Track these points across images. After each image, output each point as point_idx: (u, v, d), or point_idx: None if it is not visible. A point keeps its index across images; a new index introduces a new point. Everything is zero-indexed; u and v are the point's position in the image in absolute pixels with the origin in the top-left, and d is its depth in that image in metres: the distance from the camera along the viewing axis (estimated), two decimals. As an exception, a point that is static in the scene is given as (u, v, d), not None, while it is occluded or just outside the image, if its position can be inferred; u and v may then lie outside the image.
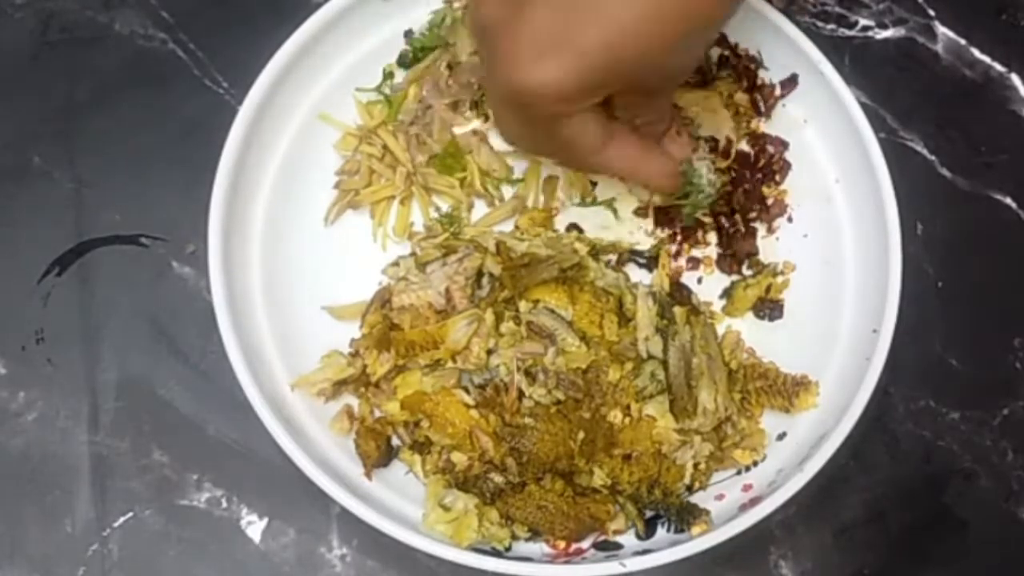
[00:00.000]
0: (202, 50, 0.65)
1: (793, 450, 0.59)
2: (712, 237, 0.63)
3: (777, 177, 0.63)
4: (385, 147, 0.62)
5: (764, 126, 0.63)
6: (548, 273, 0.58)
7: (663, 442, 0.57)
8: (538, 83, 0.47)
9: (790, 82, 0.63)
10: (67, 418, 0.60)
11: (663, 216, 0.62)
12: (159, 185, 0.63)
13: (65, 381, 0.61)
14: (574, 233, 0.62)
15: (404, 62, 0.63)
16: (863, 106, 0.61)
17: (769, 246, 0.63)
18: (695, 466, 0.57)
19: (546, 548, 0.57)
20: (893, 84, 0.66)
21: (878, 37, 0.67)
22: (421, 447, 0.58)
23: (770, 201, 0.63)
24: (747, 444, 0.59)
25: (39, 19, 0.65)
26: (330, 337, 0.60)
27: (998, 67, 0.67)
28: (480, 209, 0.63)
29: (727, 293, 0.62)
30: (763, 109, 0.63)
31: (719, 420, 0.57)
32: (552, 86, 0.47)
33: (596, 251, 0.61)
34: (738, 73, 0.63)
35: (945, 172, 0.65)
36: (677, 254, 0.62)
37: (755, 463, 0.59)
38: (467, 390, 0.57)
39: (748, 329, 0.61)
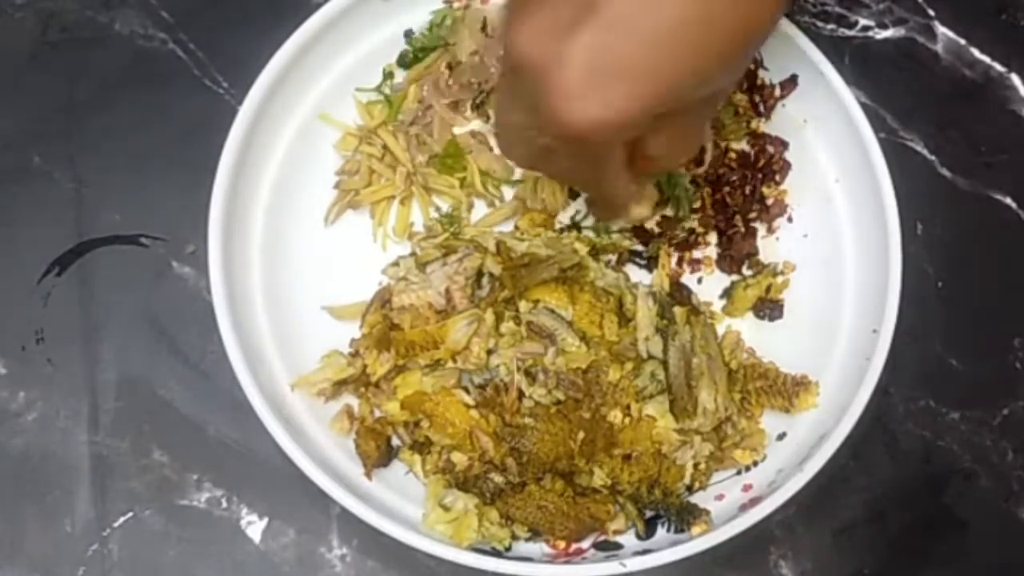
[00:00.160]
0: (202, 50, 0.65)
1: (793, 450, 0.59)
2: (712, 237, 0.63)
3: (777, 177, 0.63)
4: (385, 147, 0.62)
5: (764, 126, 0.63)
6: (548, 273, 0.58)
7: (663, 442, 0.57)
8: (598, 117, 0.44)
9: (790, 82, 0.63)
10: (67, 418, 0.60)
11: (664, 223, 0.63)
12: (159, 185, 0.63)
13: (65, 381, 0.61)
14: (574, 233, 0.62)
15: (404, 62, 0.63)
16: (863, 106, 0.61)
17: (769, 246, 0.63)
18: (695, 466, 0.57)
19: (546, 548, 0.57)
20: (893, 84, 0.66)
21: (878, 37, 0.67)
22: (421, 447, 0.58)
23: (770, 201, 0.63)
24: (747, 444, 0.59)
25: (39, 19, 0.65)
26: (330, 337, 0.60)
27: (998, 67, 0.67)
28: (480, 209, 0.63)
29: (727, 293, 0.62)
30: (763, 109, 0.63)
31: (719, 420, 0.57)
32: (614, 118, 0.44)
33: (596, 251, 0.61)
34: (738, 73, 0.63)
35: (945, 172, 0.65)
36: (679, 262, 0.62)
37: (755, 463, 0.59)
38: (467, 390, 0.57)
39: (748, 329, 0.61)
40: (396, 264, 0.60)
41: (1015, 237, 0.65)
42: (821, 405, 0.59)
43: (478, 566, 0.54)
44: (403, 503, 0.57)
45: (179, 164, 0.62)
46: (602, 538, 0.57)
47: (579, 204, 0.63)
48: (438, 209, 0.62)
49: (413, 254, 0.60)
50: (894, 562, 0.61)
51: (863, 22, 0.67)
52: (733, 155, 0.63)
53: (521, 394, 0.56)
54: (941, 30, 0.67)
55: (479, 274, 0.58)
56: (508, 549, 0.56)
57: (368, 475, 0.58)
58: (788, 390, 0.59)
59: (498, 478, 0.56)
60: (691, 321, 0.58)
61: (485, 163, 0.62)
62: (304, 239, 0.61)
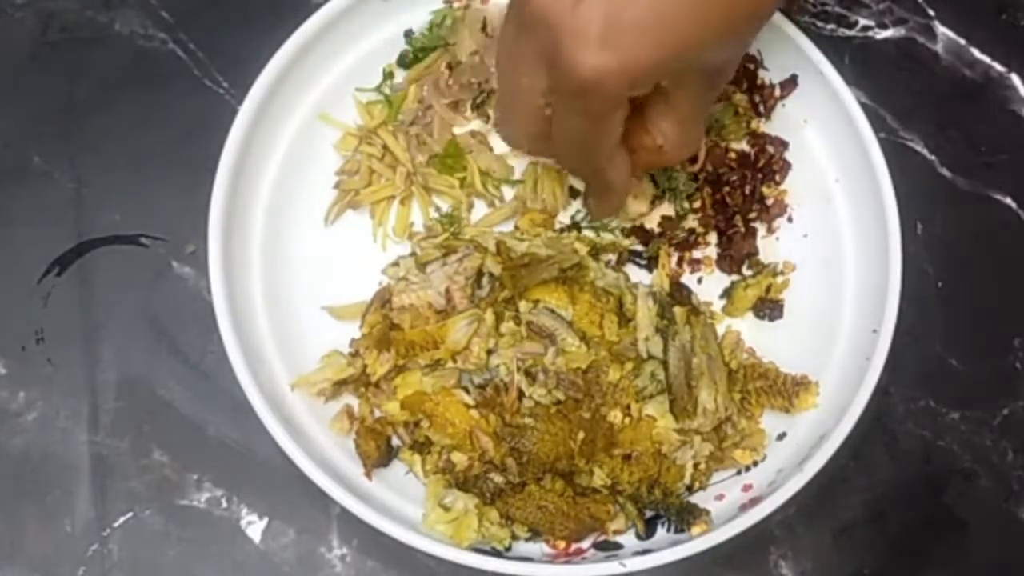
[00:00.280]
0: (202, 50, 0.65)
1: (793, 450, 0.59)
2: (712, 237, 0.63)
3: (777, 177, 0.63)
4: (385, 147, 0.62)
5: (764, 126, 0.63)
6: (548, 273, 0.58)
7: (663, 442, 0.57)
8: (612, 64, 0.45)
9: (790, 82, 0.63)
10: (67, 418, 0.60)
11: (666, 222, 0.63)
12: (159, 185, 0.63)
13: (65, 381, 0.61)
14: (574, 233, 0.62)
15: (404, 62, 0.63)
16: (863, 106, 0.61)
17: (769, 246, 0.63)
18: (695, 466, 0.57)
19: (546, 548, 0.57)
20: (893, 84, 0.66)
21: (878, 37, 0.67)
22: (421, 447, 0.58)
23: (770, 201, 0.63)
24: (747, 444, 0.59)
25: (39, 19, 0.65)
26: (330, 337, 0.60)
27: (998, 67, 0.67)
28: (480, 209, 0.63)
29: (727, 293, 0.62)
30: (763, 109, 0.63)
31: (719, 420, 0.57)
32: (628, 65, 0.45)
33: (596, 251, 0.61)
34: (737, 73, 0.63)
35: (945, 172, 0.65)
36: (679, 262, 0.62)
37: (755, 463, 0.59)
38: (467, 390, 0.57)
39: (748, 329, 0.61)
40: (396, 264, 0.60)
41: (1015, 237, 0.65)
42: (821, 405, 0.59)
43: (478, 566, 0.54)
44: (403, 503, 0.57)
45: (179, 164, 0.62)
46: (602, 538, 0.57)
47: (579, 204, 0.62)
48: (438, 209, 0.62)
49: (413, 254, 0.60)
50: (894, 562, 0.61)
51: (863, 22, 0.67)
52: (733, 155, 0.63)
53: (521, 394, 0.56)
54: (941, 30, 0.67)
55: (479, 274, 0.58)
56: (508, 549, 0.56)
57: (368, 475, 0.58)
58: (788, 390, 0.59)
59: (498, 478, 0.56)
60: (691, 321, 0.58)
61: (485, 163, 0.62)
62: (304, 239, 0.61)
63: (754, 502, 0.56)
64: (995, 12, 0.68)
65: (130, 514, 0.60)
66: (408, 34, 0.63)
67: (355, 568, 0.59)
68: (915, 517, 0.61)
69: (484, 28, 0.62)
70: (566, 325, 0.57)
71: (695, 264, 0.63)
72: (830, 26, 0.67)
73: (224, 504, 0.60)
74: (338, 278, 0.61)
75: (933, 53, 0.67)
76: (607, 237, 0.62)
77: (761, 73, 0.63)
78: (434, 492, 0.57)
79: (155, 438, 0.60)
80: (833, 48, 0.63)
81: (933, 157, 0.65)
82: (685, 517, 0.57)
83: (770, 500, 0.55)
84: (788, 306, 0.62)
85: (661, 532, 0.57)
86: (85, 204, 0.63)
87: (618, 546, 0.57)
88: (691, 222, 0.63)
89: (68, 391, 0.61)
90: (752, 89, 0.63)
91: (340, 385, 0.59)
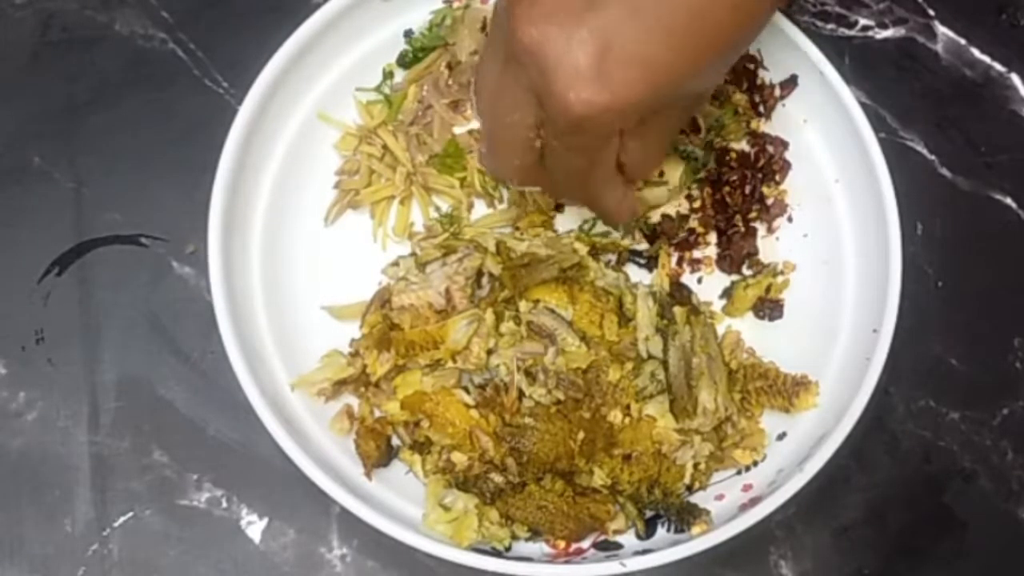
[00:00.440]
0: (202, 50, 0.65)
1: (793, 450, 0.59)
2: (712, 237, 0.63)
3: (777, 177, 0.63)
4: (385, 147, 0.62)
5: (764, 126, 0.63)
6: (548, 273, 0.58)
7: (663, 442, 0.57)
8: (605, 100, 0.45)
9: (790, 82, 0.63)
10: (67, 418, 0.60)
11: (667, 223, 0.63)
12: (159, 185, 0.63)
13: (65, 381, 0.61)
14: (574, 233, 0.62)
15: (404, 62, 0.63)
16: (863, 106, 0.61)
17: (769, 246, 0.63)
18: (695, 466, 0.57)
19: (546, 548, 0.57)
20: (893, 84, 0.66)
21: (878, 37, 0.67)
22: (421, 447, 0.58)
23: (770, 201, 0.63)
24: (747, 444, 0.59)
25: (39, 19, 0.65)
26: (330, 337, 0.60)
27: (998, 67, 0.67)
28: (480, 209, 0.63)
29: (727, 293, 0.62)
30: (763, 109, 0.63)
31: (719, 420, 0.57)
32: (620, 101, 0.45)
33: (596, 251, 0.61)
34: (737, 73, 0.63)
35: (945, 172, 0.65)
36: (679, 262, 0.62)
37: (755, 463, 0.59)
38: (467, 390, 0.57)
39: (748, 329, 0.61)
40: (396, 264, 0.60)
41: (1015, 237, 0.65)
42: (821, 405, 0.59)
43: (478, 566, 0.54)
44: (403, 503, 0.57)
45: (179, 164, 0.62)
46: (602, 538, 0.57)
47: (586, 212, 0.62)
48: (438, 209, 0.62)
49: (413, 254, 0.60)
50: (894, 562, 0.61)
51: (863, 22, 0.67)
52: (733, 155, 0.63)
53: (521, 394, 0.56)
54: (941, 30, 0.67)
55: (479, 274, 0.58)
56: (508, 549, 0.56)
57: (368, 475, 0.58)
58: (788, 390, 0.59)
59: (498, 478, 0.56)
60: (691, 321, 0.58)
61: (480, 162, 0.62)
62: (304, 239, 0.61)
63: (754, 502, 0.56)
64: (995, 12, 0.68)
65: (130, 514, 0.60)
66: (408, 34, 0.63)
67: (355, 568, 0.59)
68: (915, 517, 0.61)
69: (484, 28, 0.62)
70: (566, 325, 0.57)
71: (695, 264, 0.63)
72: (830, 26, 0.67)
73: (224, 504, 0.60)
74: (338, 278, 0.61)
75: (933, 53, 0.67)
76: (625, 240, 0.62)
77: (761, 73, 0.63)
78: (434, 492, 0.57)
79: (155, 438, 0.60)
80: (833, 48, 0.63)
81: (933, 157, 0.65)
82: (685, 517, 0.57)
83: (770, 500, 0.55)
84: (788, 306, 0.62)
85: (661, 532, 0.57)
86: (85, 204, 0.63)
87: (618, 546, 0.57)
88: (691, 222, 0.63)
89: (68, 391, 0.61)
90: (752, 89, 0.63)
91: (340, 385, 0.59)
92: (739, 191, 0.62)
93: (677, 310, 0.59)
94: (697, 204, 0.63)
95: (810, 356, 0.60)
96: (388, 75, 0.63)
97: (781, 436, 0.59)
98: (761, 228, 0.63)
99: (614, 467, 0.57)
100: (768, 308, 0.61)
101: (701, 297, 0.62)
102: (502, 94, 0.49)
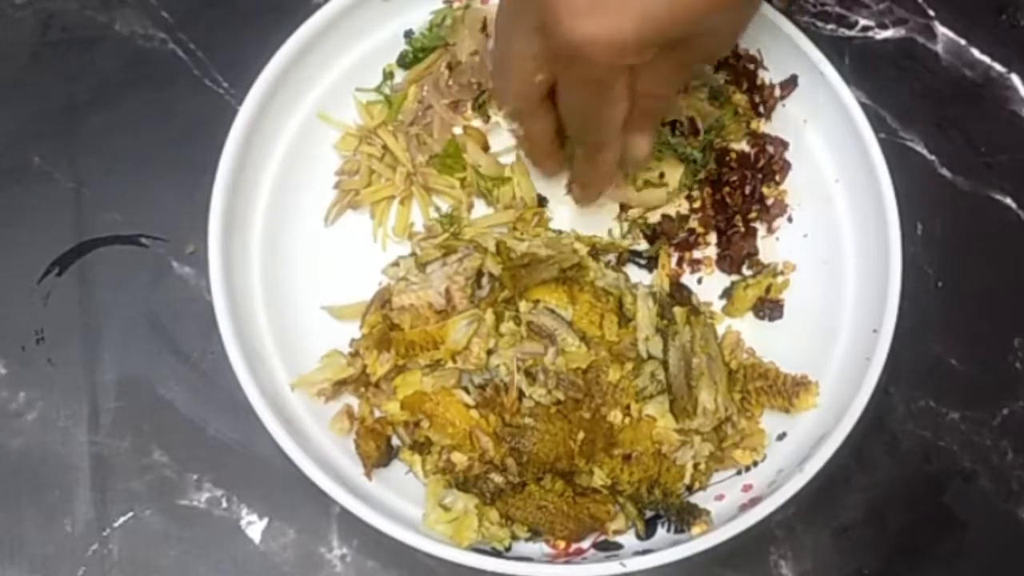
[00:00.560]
0: (202, 50, 0.65)
1: (793, 450, 0.59)
2: (712, 237, 0.63)
3: (777, 177, 0.63)
4: (385, 147, 0.62)
5: (764, 126, 0.63)
6: (548, 273, 0.58)
7: (663, 442, 0.57)
8: (600, 35, 0.45)
9: (790, 82, 0.63)
10: (67, 418, 0.60)
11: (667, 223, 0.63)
12: (159, 185, 0.63)
13: (65, 381, 0.61)
14: (574, 233, 0.62)
15: (404, 62, 0.63)
16: (863, 106, 0.61)
17: (769, 246, 0.63)
18: (695, 466, 0.57)
19: (546, 548, 0.57)
20: (893, 84, 0.66)
21: (878, 37, 0.67)
22: (421, 447, 0.58)
23: (770, 201, 0.63)
24: (747, 444, 0.59)
25: (39, 19, 0.65)
26: (330, 337, 0.60)
27: (998, 67, 0.67)
28: (480, 209, 0.63)
29: (727, 293, 0.62)
30: (763, 109, 0.63)
31: (719, 420, 0.57)
32: (615, 38, 0.46)
33: (596, 251, 0.61)
34: (737, 73, 0.63)
35: (945, 172, 0.65)
36: (679, 262, 0.63)
37: (755, 463, 0.59)
38: (467, 390, 0.57)
39: (748, 329, 0.61)
40: (396, 264, 0.60)
41: (1015, 237, 0.65)
42: (821, 405, 0.59)
43: (478, 566, 0.54)
44: (403, 503, 0.57)
45: (179, 164, 0.62)
46: (602, 538, 0.57)
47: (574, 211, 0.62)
48: (438, 209, 0.62)
49: (413, 254, 0.60)
50: (894, 562, 0.61)
51: (863, 22, 0.67)
52: (733, 155, 0.63)
53: (521, 394, 0.56)
54: (941, 30, 0.67)
55: (479, 274, 0.58)
56: (508, 549, 0.56)
57: (368, 475, 0.58)
58: (788, 390, 0.59)
59: (498, 478, 0.56)
60: (691, 321, 0.58)
61: (473, 159, 0.61)
62: (304, 239, 0.61)
63: (754, 502, 0.56)
64: (995, 12, 0.68)
65: (130, 514, 0.60)
66: (408, 34, 0.63)
67: (355, 568, 0.59)
68: (915, 517, 0.61)
69: (484, 28, 0.62)
70: (566, 325, 0.57)
71: (695, 264, 0.63)
72: (830, 26, 0.67)
73: (224, 504, 0.60)
74: (338, 278, 0.61)
75: (933, 53, 0.67)
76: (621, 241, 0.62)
77: (761, 73, 0.63)
78: (434, 492, 0.57)
79: (155, 438, 0.60)
80: (833, 48, 0.63)
81: (933, 157, 0.66)
82: (685, 517, 0.57)
83: (770, 500, 0.55)
84: (788, 306, 0.62)
85: (661, 532, 0.57)
86: (85, 204, 0.63)
87: (618, 546, 0.57)
88: (691, 222, 0.63)
89: (68, 391, 0.61)
90: (752, 89, 0.63)
91: (340, 385, 0.59)
92: (739, 191, 0.62)
93: (677, 310, 0.59)
94: (697, 204, 0.63)
95: (810, 356, 0.60)
96: (388, 75, 0.63)
97: (781, 436, 0.59)
98: (761, 228, 0.63)
99: (614, 467, 0.57)
100: (768, 308, 0.61)
101: (701, 297, 0.62)
102: (511, 25, 0.50)
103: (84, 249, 0.62)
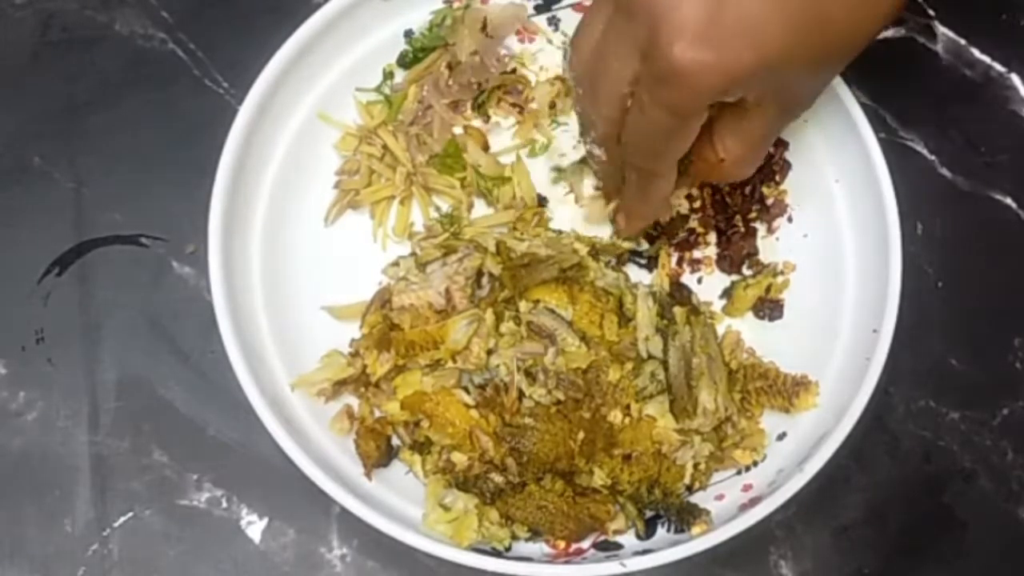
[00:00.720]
0: (202, 50, 0.65)
1: (793, 450, 0.59)
2: (712, 237, 0.63)
3: (777, 177, 0.63)
4: (385, 147, 0.62)
5: (764, 126, 0.63)
6: (548, 273, 0.58)
7: (663, 442, 0.57)
8: (709, 61, 0.45)
9: (790, 82, 0.62)
10: (67, 418, 0.60)
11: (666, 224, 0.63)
12: (159, 185, 0.63)
13: (65, 381, 0.61)
14: (574, 233, 0.62)
15: (404, 62, 0.63)
16: (863, 106, 0.61)
17: (769, 246, 0.63)
18: (695, 466, 0.57)
19: (546, 548, 0.57)
20: (893, 84, 0.66)
21: (878, 37, 0.67)
22: (421, 447, 0.58)
23: (770, 201, 0.63)
24: (747, 444, 0.59)
25: (39, 19, 0.65)
26: (330, 337, 0.60)
27: (998, 67, 0.67)
28: (480, 209, 0.63)
29: (727, 293, 0.62)
30: (763, 109, 0.63)
31: (719, 420, 0.57)
32: (725, 65, 0.45)
33: (596, 251, 0.61)
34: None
35: (945, 172, 0.65)
36: (679, 262, 0.62)
37: (755, 463, 0.59)
38: (467, 390, 0.57)
39: (748, 329, 0.61)
40: (396, 264, 0.60)
41: (1015, 237, 0.65)
42: (821, 405, 0.59)
43: (478, 566, 0.54)
44: (403, 503, 0.57)
45: (179, 164, 0.62)
46: (602, 538, 0.57)
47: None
48: (438, 209, 0.62)
49: (413, 254, 0.60)
50: (894, 562, 0.61)
51: (863, 22, 0.67)
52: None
53: (521, 394, 0.56)
54: (941, 30, 0.67)
55: (479, 274, 0.58)
56: (508, 549, 0.56)
57: (368, 475, 0.58)
58: (788, 390, 0.59)
59: (498, 478, 0.56)
60: (691, 321, 0.58)
61: (472, 159, 0.61)
62: (304, 239, 0.61)
63: (754, 502, 0.56)
64: (995, 12, 0.68)
65: (130, 514, 0.60)
66: (408, 34, 0.63)
67: (355, 568, 0.59)
68: (915, 517, 0.61)
69: (484, 28, 0.62)
70: (566, 325, 0.57)
71: (695, 264, 0.63)
72: (830, 26, 0.67)
73: (224, 504, 0.60)
74: (338, 278, 0.61)
75: (933, 53, 0.67)
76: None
77: (761, 73, 0.63)
78: (434, 492, 0.57)
79: (155, 438, 0.60)
80: (833, 48, 0.63)
81: (933, 157, 0.66)
82: (685, 517, 0.57)
83: (770, 500, 0.55)
84: (788, 306, 0.62)
85: (661, 532, 0.57)
86: (85, 204, 0.63)
87: (618, 546, 0.57)
88: (691, 222, 0.63)
89: (68, 391, 0.61)
90: (752, 89, 0.63)
91: (340, 385, 0.59)
92: (739, 191, 0.62)
93: (677, 310, 0.59)
94: (697, 204, 0.63)
95: (810, 356, 0.60)
96: (388, 75, 0.63)
97: (781, 436, 0.59)
98: (761, 228, 0.63)
99: (614, 467, 0.57)
100: (768, 308, 0.61)
101: (701, 297, 0.62)
102: (606, 42, 0.49)
103: (84, 249, 0.62)
